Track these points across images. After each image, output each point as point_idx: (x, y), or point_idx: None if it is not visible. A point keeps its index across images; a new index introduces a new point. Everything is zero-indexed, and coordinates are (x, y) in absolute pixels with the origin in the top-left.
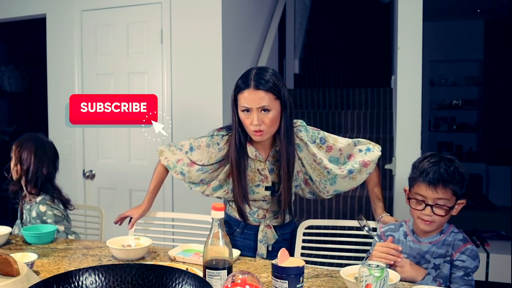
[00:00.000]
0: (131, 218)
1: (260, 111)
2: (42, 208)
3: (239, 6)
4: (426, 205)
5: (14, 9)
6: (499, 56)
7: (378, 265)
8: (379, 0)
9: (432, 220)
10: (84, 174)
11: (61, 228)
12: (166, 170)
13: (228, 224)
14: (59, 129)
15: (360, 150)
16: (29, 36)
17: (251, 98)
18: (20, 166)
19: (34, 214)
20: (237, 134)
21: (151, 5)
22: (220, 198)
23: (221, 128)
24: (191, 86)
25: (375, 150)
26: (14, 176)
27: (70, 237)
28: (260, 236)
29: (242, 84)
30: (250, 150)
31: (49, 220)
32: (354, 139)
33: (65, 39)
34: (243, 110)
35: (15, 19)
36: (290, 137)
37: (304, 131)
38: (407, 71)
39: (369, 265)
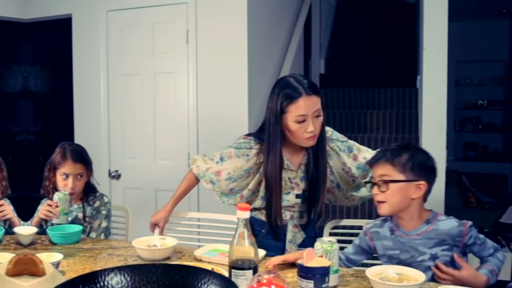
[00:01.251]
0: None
1: (314, 116)
2: (106, 199)
3: (265, 6)
4: (374, 184)
5: (39, 9)
6: None
7: (330, 241)
8: (405, 0)
9: (381, 199)
10: (110, 174)
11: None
12: (197, 179)
13: (251, 225)
14: (85, 129)
15: None
16: (55, 37)
17: (307, 104)
18: (82, 180)
19: (96, 204)
20: (280, 151)
21: (177, 5)
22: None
23: (247, 135)
24: (216, 85)
25: None
26: (79, 189)
27: (100, 234)
28: (289, 236)
29: (294, 94)
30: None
31: (104, 212)
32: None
33: (90, 39)
34: (298, 120)
35: (41, 19)
36: (326, 140)
37: (336, 140)
38: (433, 71)
39: (322, 240)
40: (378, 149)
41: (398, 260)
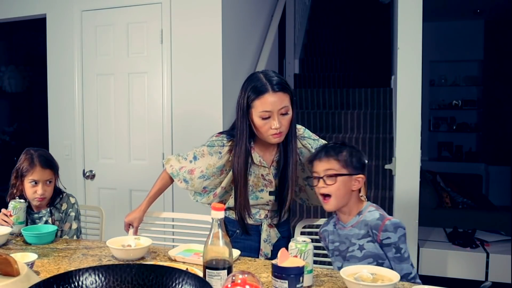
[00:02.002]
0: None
1: (280, 113)
2: (72, 199)
3: (239, 6)
4: (319, 179)
5: (14, 9)
6: (499, 56)
7: (304, 241)
8: (379, 0)
9: (327, 192)
10: (84, 174)
11: (75, 226)
12: (171, 179)
13: (226, 225)
14: (59, 129)
15: None
16: (29, 36)
17: (272, 101)
18: (51, 185)
19: (64, 207)
20: (245, 144)
21: (151, 5)
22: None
23: (220, 133)
24: (191, 85)
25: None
26: (49, 194)
27: (73, 237)
28: (264, 235)
29: (260, 89)
30: (255, 156)
31: (72, 213)
32: None
33: (65, 39)
34: (263, 116)
35: (15, 19)
36: (296, 136)
37: (308, 138)
38: (407, 71)
39: (297, 240)
40: (318, 147)
41: (338, 251)
